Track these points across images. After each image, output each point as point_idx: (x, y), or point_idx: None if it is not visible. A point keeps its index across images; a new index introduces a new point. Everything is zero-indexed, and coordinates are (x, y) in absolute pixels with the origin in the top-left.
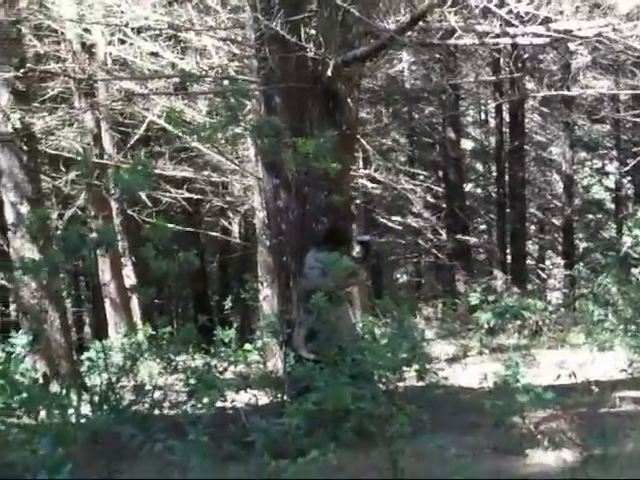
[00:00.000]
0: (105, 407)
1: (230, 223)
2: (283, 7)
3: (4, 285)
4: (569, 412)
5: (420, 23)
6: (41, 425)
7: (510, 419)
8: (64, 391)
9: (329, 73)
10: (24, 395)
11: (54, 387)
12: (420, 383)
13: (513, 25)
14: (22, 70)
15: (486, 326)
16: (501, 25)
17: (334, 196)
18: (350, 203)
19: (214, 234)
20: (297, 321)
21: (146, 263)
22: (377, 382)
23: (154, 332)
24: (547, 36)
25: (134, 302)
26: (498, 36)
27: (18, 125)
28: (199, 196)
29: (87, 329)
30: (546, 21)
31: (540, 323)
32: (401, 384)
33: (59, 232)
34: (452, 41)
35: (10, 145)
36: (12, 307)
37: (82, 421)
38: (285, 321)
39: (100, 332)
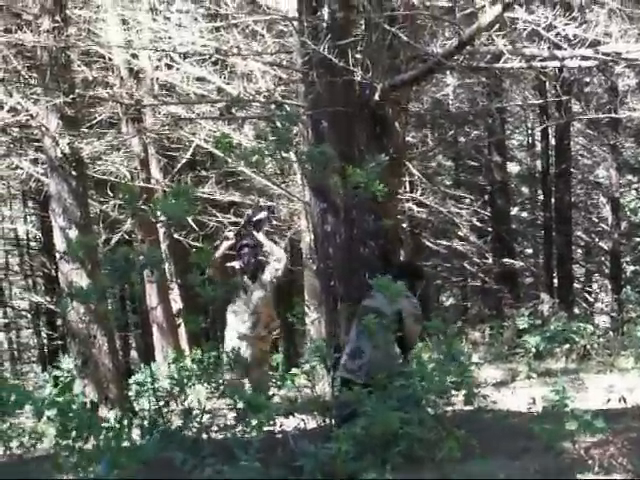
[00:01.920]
0: (154, 432)
1: None
2: (330, 31)
3: (51, 309)
4: (619, 437)
5: (467, 47)
6: (93, 450)
7: (560, 444)
8: (115, 416)
9: (376, 97)
10: (75, 420)
11: (103, 411)
12: (468, 407)
13: (561, 48)
14: (71, 96)
15: (534, 350)
16: (549, 48)
17: (382, 220)
18: (398, 227)
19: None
20: (345, 338)
21: (193, 288)
22: (425, 406)
23: (201, 356)
24: (595, 59)
25: (181, 326)
26: (546, 59)
27: (67, 150)
28: None
29: (134, 353)
30: (594, 44)
31: (588, 347)
32: (449, 408)
33: (106, 256)
34: (499, 64)
35: (59, 170)
36: (59, 331)
37: (132, 446)
38: (333, 345)
39: (147, 356)
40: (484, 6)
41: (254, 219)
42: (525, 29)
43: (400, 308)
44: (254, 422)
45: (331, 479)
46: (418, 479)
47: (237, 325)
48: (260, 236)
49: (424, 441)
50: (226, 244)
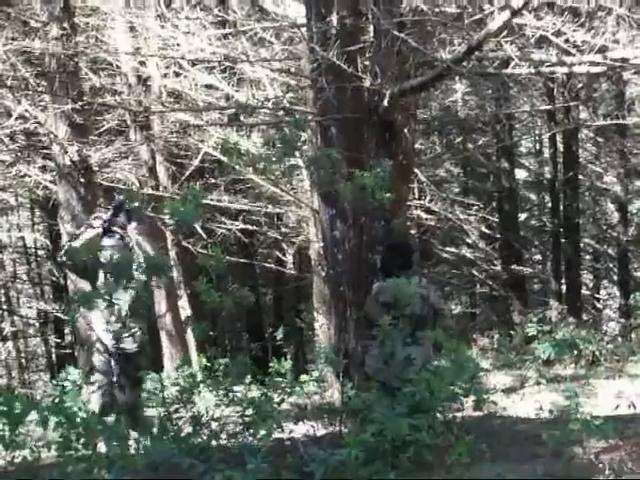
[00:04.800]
0: (164, 438)
1: (284, 254)
2: (339, 38)
3: (59, 317)
4: (629, 442)
5: (476, 52)
6: (99, 456)
7: (569, 449)
8: (122, 422)
9: (385, 103)
10: (81, 427)
11: (111, 418)
12: (477, 413)
13: (570, 54)
14: (79, 103)
15: (543, 357)
16: (557, 54)
17: (391, 226)
18: (407, 233)
19: (269, 265)
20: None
21: (200, 294)
22: (435, 412)
23: (209, 364)
24: (603, 65)
25: (189, 334)
26: (554, 65)
27: (75, 157)
28: (254, 227)
29: None
30: (602, 50)
31: (597, 353)
32: (459, 414)
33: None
34: (508, 70)
35: (68, 177)
36: (67, 339)
37: (141, 452)
38: (342, 351)
39: (155, 364)
40: (493, 12)
41: (127, 205)
42: (533, 35)
43: (432, 302)
44: (263, 429)
45: None
46: None
47: (101, 334)
48: (130, 228)
49: (433, 447)
50: (90, 233)
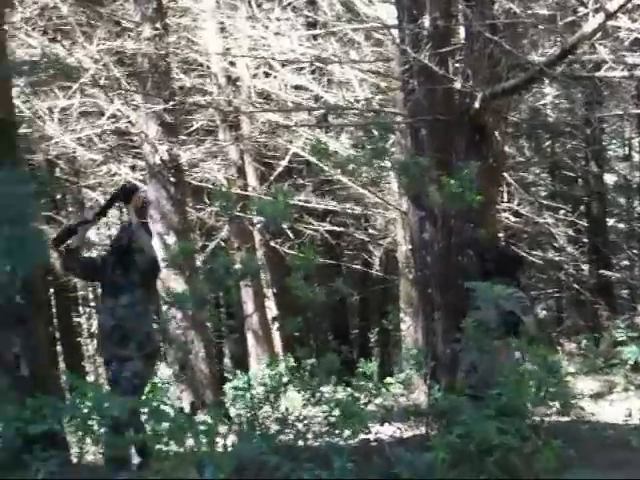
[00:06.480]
0: (251, 437)
1: (371, 256)
2: (431, 40)
3: None
4: None
5: (569, 56)
6: (188, 453)
7: None
8: (210, 420)
9: (476, 106)
10: (171, 423)
11: (200, 416)
12: (565, 418)
13: None
14: (170, 103)
15: (631, 362)
16: None
17: (480, 229)
18: (495, 236)
19: (355, 267)
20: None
21: (288, 294)
22: (522, 416)
23: (296, 364)
24: None
25: (275, 333)
26: None
27: (166, 157)
28: (341, 229)
29: (227, 361)
30: None
31: None
32: (546, 419)
33: (205, 263)
34: (601, 73)
35: (158, 177)
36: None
37: (229, 450)
38: (429, 353)
39: (241, 363)
40: (587, 14)
41: (128, 188)
42: (627, 37)
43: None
44: (349, 430)
45: None
46: None
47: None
48: (132, 214)
49: (520, 451)
50: (85, 230)
